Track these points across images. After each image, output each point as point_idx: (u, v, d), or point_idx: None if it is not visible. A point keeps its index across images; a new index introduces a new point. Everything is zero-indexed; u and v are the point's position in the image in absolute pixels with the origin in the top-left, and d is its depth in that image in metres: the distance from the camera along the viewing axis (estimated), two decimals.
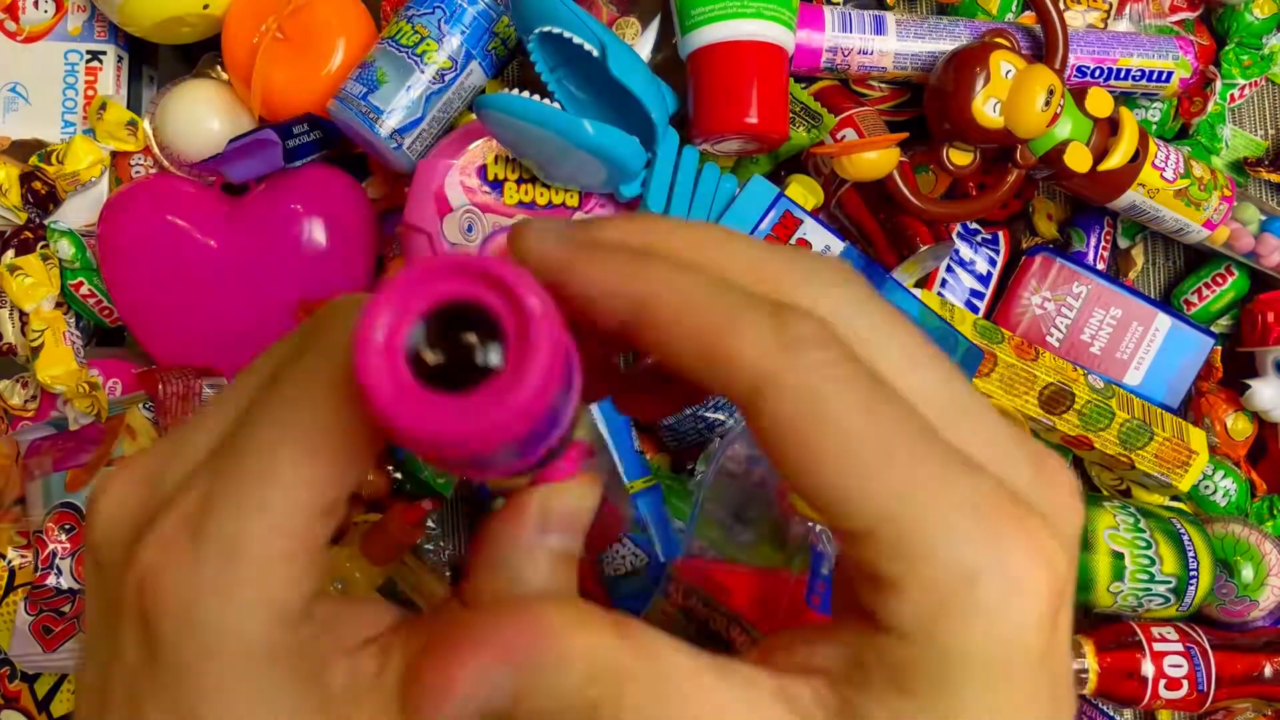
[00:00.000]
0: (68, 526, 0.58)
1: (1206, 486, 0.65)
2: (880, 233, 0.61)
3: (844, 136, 0.59)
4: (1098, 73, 0.62)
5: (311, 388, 0.18)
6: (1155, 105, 0.65)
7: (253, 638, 0.18)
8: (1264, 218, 0.63)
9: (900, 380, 0.19)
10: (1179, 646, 0.60)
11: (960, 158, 0.58)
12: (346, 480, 0.19)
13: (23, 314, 0.63)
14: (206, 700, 0.18)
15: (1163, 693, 0.60)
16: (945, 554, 0.18)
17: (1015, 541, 0.18)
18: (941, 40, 0.60)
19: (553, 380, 0.17)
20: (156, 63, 0.68)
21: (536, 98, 0.52)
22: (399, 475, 0.63)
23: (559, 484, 0.22)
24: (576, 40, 0.51)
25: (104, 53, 0.65)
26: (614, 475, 0.60)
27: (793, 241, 0.56)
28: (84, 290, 0.64)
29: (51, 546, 0.58)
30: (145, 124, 0.64)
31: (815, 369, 0.18)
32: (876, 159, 0.57)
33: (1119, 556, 0.60)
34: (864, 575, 0.18)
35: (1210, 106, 0.65)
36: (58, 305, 0.64)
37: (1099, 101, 0.58)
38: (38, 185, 0.62)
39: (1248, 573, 0.63)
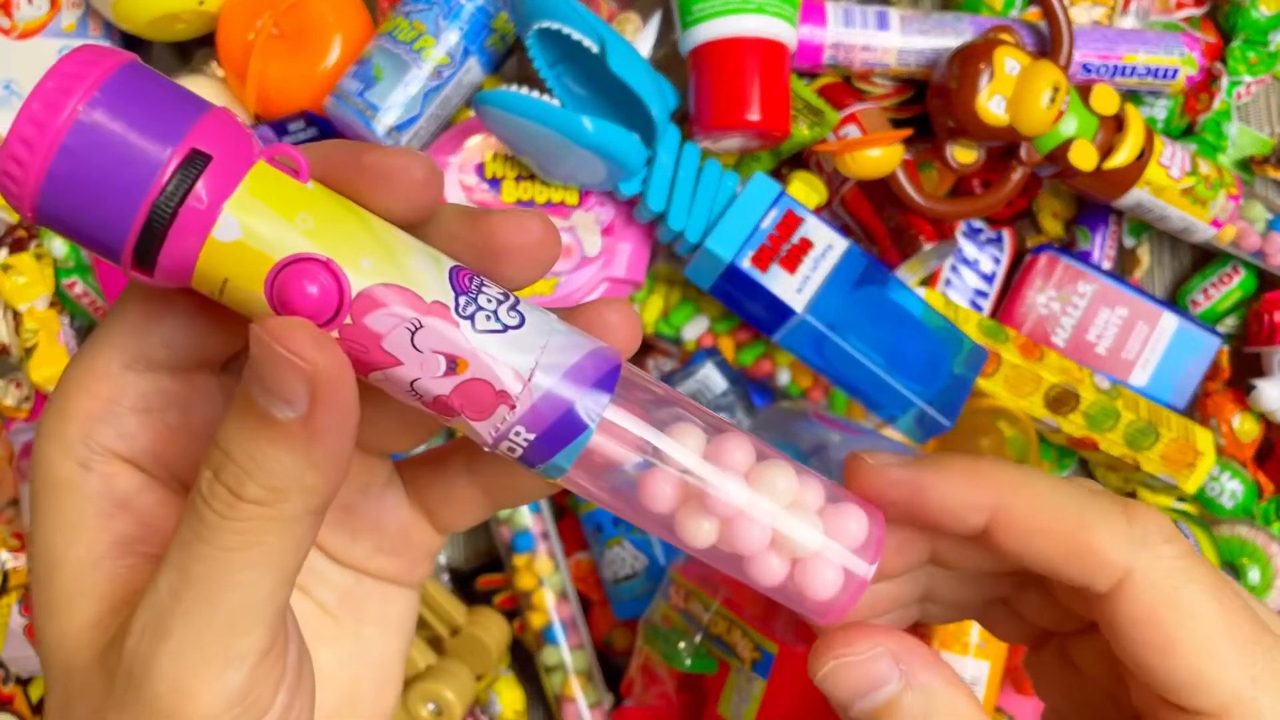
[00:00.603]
0: None
1: (1213, 488, 0.64)
2: (883, 231, 0.60)
3: (847, 134, 0.59)
4: (1103, 70, 0.61)
5: (123, 294, 0.23)
6: (1161, 102, 0.65)
7: (57, 470, 0.23)
8: (1271, 216, 0.63)
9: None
10: None
11: (964, 155, 0.58)
12: (141, 340, 0.23)
13: (16, 314, 0.62)
14: (35, 524, 0.23)
15: None
16: None
17: None
18: (945, 36, 0.59)
19: None
20: (151, 59, 0.68)
21: (535, 94, 0.52)
22: None
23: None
24: (576, 36, 0.51)
25: None
26: None
27: (795, 240, 0.55)
28: (78, 290, 0.63)
29: None
30: None
31: (1168, 560, 0.22)
32: (880, 156, 0.57)
33: None
34: None
35: (1216, 104, 0.64)
36: (51, 305, 0.63)
37: (1104, 99, 0.57)
38: None
39: (1254, 575, 0.62)
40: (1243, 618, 0.22)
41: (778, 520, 0.23)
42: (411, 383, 0.21)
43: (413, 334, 0.21)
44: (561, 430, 0.21)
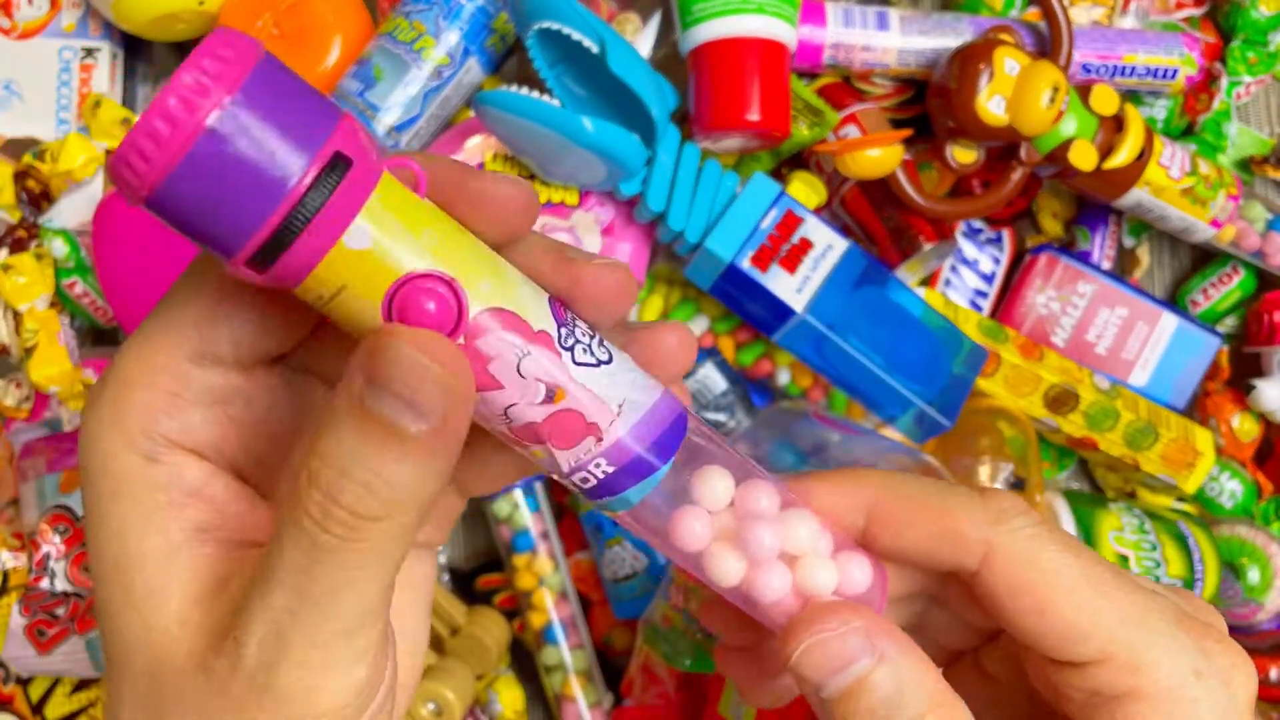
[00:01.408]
0: (62, 528, 0.57)
1: (1212, 488, 0.64)
2: (883, 231, 0.60)
3: (846, 134, 0.59)
4: (1103, 70, 0.61)
5: (182, 285, 0.23)
6: (1161, 102, 0.65)
7: (119, 463, 0.22)
8: (1270, 216, 0.63)
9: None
10: None
11: (964, 155, 0.58)
12: (207, 335, 0.22)
13: (16, 314, 0.62)
14: (99, 520, 0.22)
15: None
16: (1170, 662, 0.23)
17: (1216, 647, 0.23)
18: (945, 36, 0.59)
19: None
20: (152, 60, 0.68)
21: (535, 94, 0.52)
22: None
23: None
24: (576, 36, 0.51)
25: (99, 49, 0.65)
26: None
27: (794, 240, 0.55)
28: (78, 290, 0.63)
29: (45, 549, 0.57)
30: None
31: (1024, 529, 0.24)
32: (879, 156, 0.57)
33: (1124, 559, 0.60)
34: (1096, 702, 0.23)
35: (1216, 104, 0.64)
36: (52, 305, 0.63)
37: (1104, 99, 0.57)
38: (31, 184, 0.62)
39: (1254, 575, 0.62)
40: (1100, 569, 0.24)
41: (801, 566, 0.24)
42: (507, 408, 0.21)
43: (519, 360, 0.21)
44: (639, 466, 0.22)
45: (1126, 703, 0.23)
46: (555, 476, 0.23)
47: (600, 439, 0.22)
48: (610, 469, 0.22)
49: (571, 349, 0.22)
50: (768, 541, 0.24)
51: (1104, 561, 0.24)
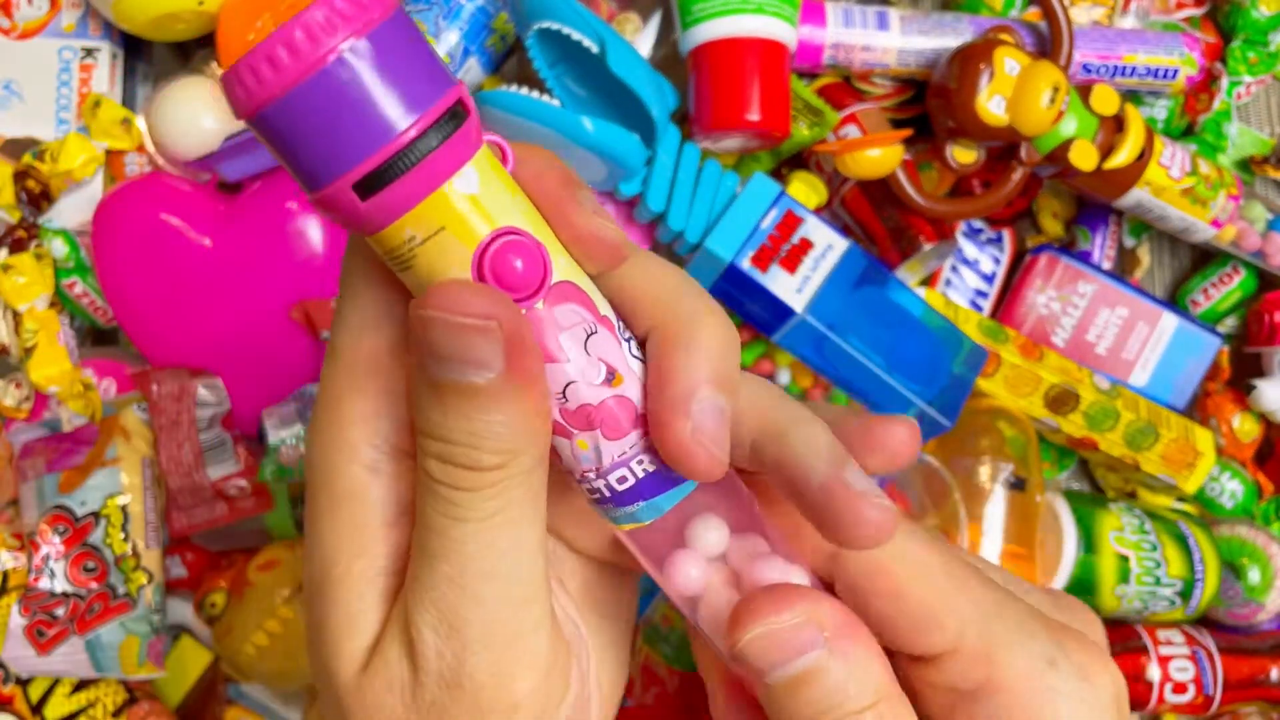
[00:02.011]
0: (61, 529, 0.57)
1: (1213, 488, 0.64)
2: (883, 231, 0.60)
3: (846, 134, 0.59)
4: (1103, 70, 0.61)
5: (355, 281, 0.23)
6: (1161, 102, 0.65)
7: (343, 479, 0.22)
8: (1271, 216, 0.63)
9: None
10: (1185, 650, 0.60)
11: (964, 155, 0.58)
12: (384, 329, 0.22)
13: (16, 314, 0.62)
14: (317, 537, 0.22)
15: (1169, 697, 0.59)
16: (1023, 651, 0.22)
17: (1073, 644, 0.23)
18: (945, 36, 0.59)
19: None
20: (151, 60, 0.68)
21: (535, 94, 0.51)
22: None
23: None
24: (576, 36, 0.51)
25: (99, 49, 0.64)
26: None
27: (794, 240, 0.55)
28: (78, 290, 0.63)
29: (45, 549, 0.57)
30: (139, 121, 0.64)
31: (902, 533, 0.23)
32: (879, 156, 0.57)
33: (1124, 559, 0.60)
34: (953, 699, 0.23)
35: (1217, 104, 0.64)
36: (51, 305, 0.63)
37: (1104, 99, 0.57)
38: (31, 184, 0.62)
39: (1254, 575, 0.62)
40: (960, 565, 0.23)
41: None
42: (566, 386, 0.21)
43: (588, 336, 0.21)
44: (675, 472, 0.22)
45: (982, 697, 0.22)
46: (589, 480, 0.22)
47: (647, 434, 0.22)
48: (651, 468, 0.22)
49: (629, 341, 0.22)
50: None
51: (968, 562, 0.24)
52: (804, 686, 0.22)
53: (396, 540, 0.22)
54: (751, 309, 0.56)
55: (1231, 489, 0.64)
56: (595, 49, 0.51)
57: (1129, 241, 0.66)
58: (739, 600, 0.23)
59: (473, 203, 0.20)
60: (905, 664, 0.24)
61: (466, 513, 0.21)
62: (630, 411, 0.22)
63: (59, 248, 0.63)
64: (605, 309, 0.22)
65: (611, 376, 0.21)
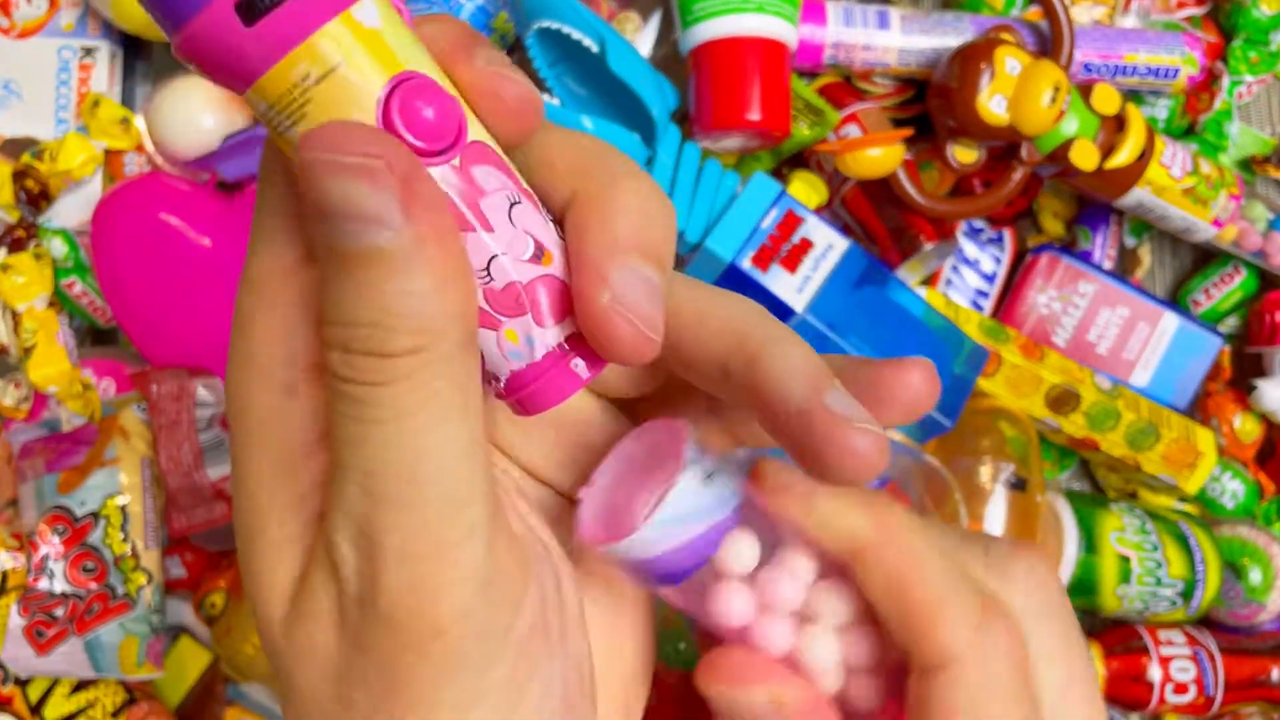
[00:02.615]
0: (60, 529, 0.57)
1: (1214, 488, 0.64)
2: (884, 231, 0.60)
3: (847, 133, 0.59)
4: (1104, 69, 0.61)
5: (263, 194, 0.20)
6: (1162, 102, 0.64)
7: (257, 406, 0.19)
8: (1272, 216, 0.63)
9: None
10: (1186, 650, 0.60)
11: (965, 155, 0.58)
12: (297, 239, 0.19)
13: (15, 314, 0.62)
14: (237, 479, 0.20)
15: (1170, 697, 0.59)
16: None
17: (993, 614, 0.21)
18: (946, 36, 0.59)
19: None
20: (150, 59, 0.68)
21: None
22: None
23: None
24: (576, 35, 0.51)
25: (97, 49, 0.64)
26: None
27: (795, 240, 0.55)
28: (77, 290, 0.63)
29: (44, 549, 0.57)
30: (139, 121, 0.64)
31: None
32: (880, 156, 0.57)
33: (1125, 560, 0.60)
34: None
35: (1218, 103, 0.64)
36: (50, 305, 0.63)
37: (1105, 98, 0.57)
38: (30, 183, 0.62)
39: (1256, 575, 0.62)
40: (957, 572, 0.21)
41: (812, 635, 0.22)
42: (491, 260, 0.18)
43: (512, 205, 0.18)
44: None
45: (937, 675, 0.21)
46: (521, 369, 0.19)
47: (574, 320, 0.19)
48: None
49: (553, 222, 0.19)
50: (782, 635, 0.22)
51: (959, 561, 0.22)
52: None
53: (321, 463, 0.19)
54: None
55: (1233, 489, 0.64)
56: (595, 48, 0.51)
57: (1130, 241, 0.66)
58: (705, 656, 0.22)
59: (374, 39, 0.17)
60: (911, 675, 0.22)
61: (378, 412, 0.17)
62: (565, 296, 0.19)
63: (58, 247, 0.63)
64: (525, 182, 0.19)
65: (540, 253, 0.18)
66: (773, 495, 0.21)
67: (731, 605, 0.21)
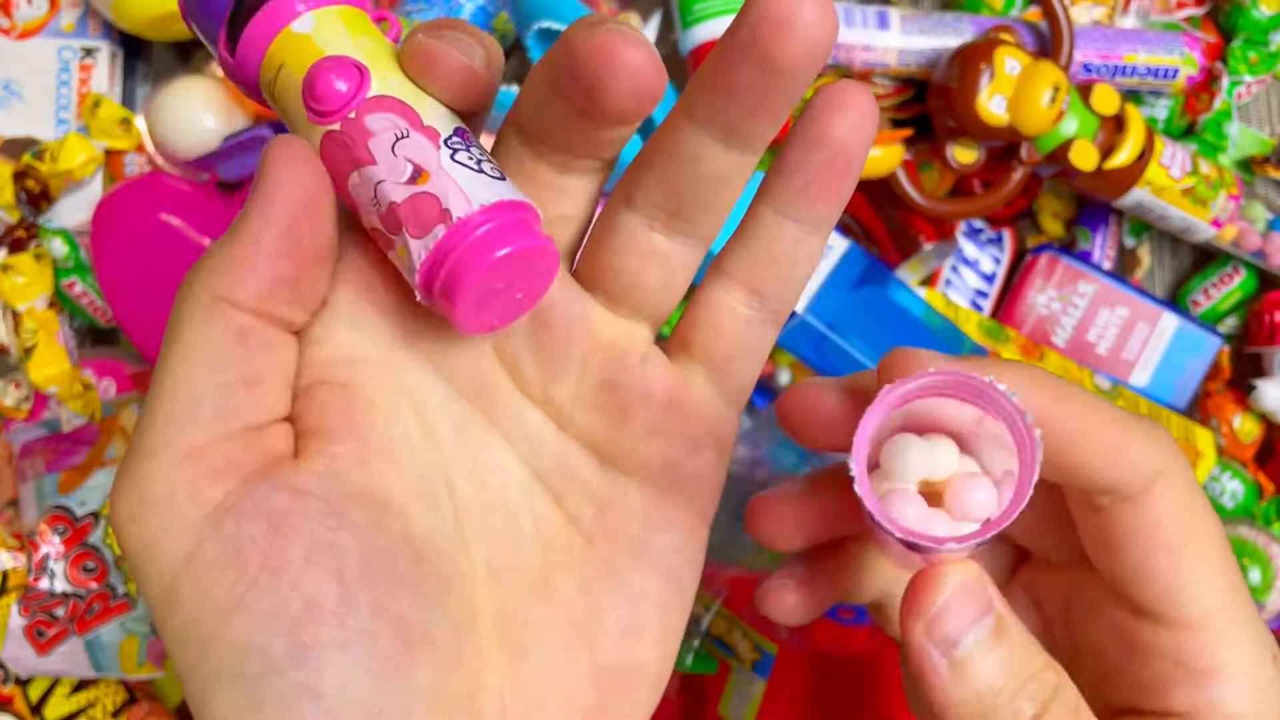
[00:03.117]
0: (61, 529, 0.57)
1: (1213, 488, 0.64)
2: (883, 231, 0.60)
3: None
4: (1104, 69, 0.61)
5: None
6: (1162, 102, 0.64)
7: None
8: (1271, 216, 0.63)
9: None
10: None
11: (965, 155, 0.58)
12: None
13: (15, 314, 0.62)
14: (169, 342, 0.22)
15: None
16: (1255, 644, 0.23)
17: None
18: (946, 36, 0.59)
19: None
20: (151, 59, 0.68)
21: None
22: None
23: None
24: None
25: (98, 49, 0.64)
26: None
27: None
28: (77, 290, 0.63)
29: (44, 549, 0.57)
30: (139, 121, 0.64)
31: (1186, 476, 0.23)
32: (880, 156, 0.57)
33: None
34: (1179, 675, 0.23)
35: (1217, 104, 0.64)
36: (51, 305, 0.63)
37: (1105, 98, 0.57)
38: (30, 184, 0.62)
39: (1255, 576, 0.62)
40: (1226, 545, 0.23)
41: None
42: (377, 185, 0.22)
43: (396, 140, 0.22)
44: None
45: (1212, 679, 0.22)
46: (419, 295, 0.22)
47: (449, 224, 0.21)
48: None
49: (454, 150, 0.22)
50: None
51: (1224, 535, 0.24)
52: (966, 679, 0.21)
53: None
54: None
55: (1232, 489, 0.64)
56: None
57: (1129, 241, 0.66)
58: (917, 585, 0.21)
59: (304, 41, 0.23)
60: (1128, 617, 0.23)
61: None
62: (434, 207, 0.21)
63: (58, 247, 0.63)
64: (439, 124, 0.22)
65: (417, 175, 0.21)
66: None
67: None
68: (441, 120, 0.22)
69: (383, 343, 0.23)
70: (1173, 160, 0.59)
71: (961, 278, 0.65)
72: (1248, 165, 0.66)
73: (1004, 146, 0.58)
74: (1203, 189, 0.60)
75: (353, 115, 0.22)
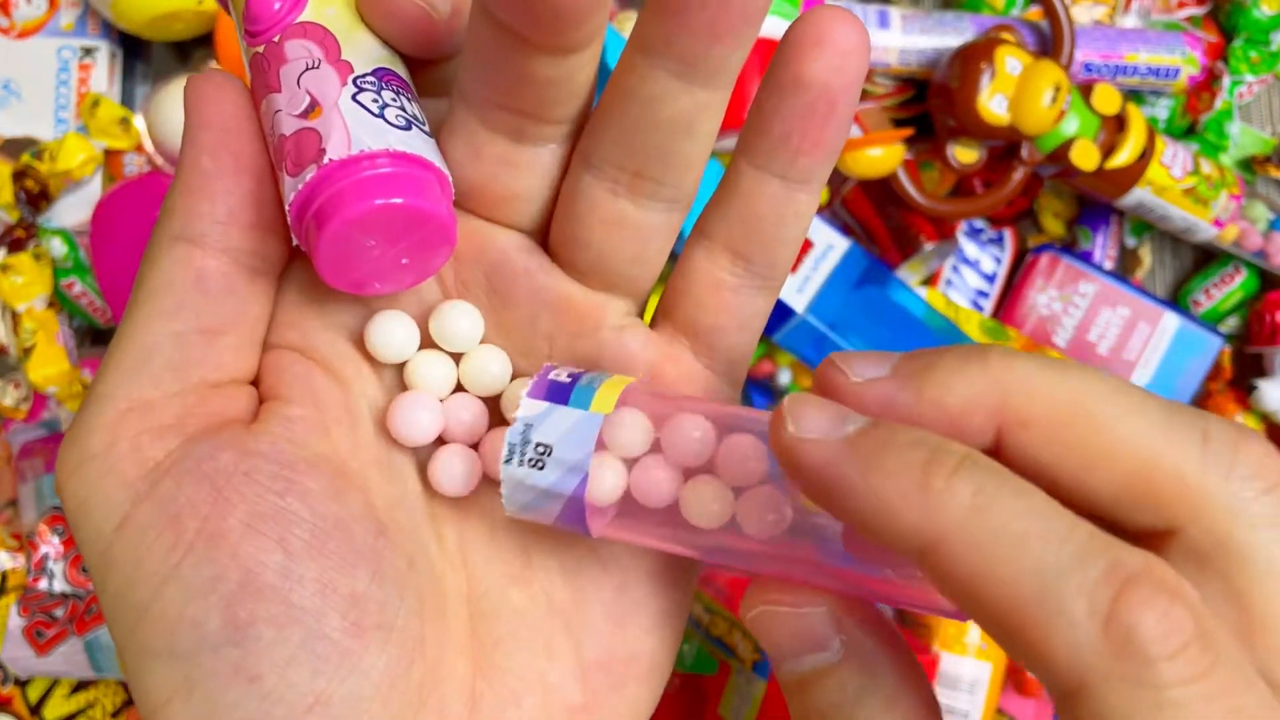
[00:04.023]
0: (60, 529, 0.57)
1: None
2: (884, 230, 0.60)
3: None
4: (1105, 69, 0.61)
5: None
6: (1163, 102, 0.64)
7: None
8: (1273, 216, 0.62)
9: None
10: None
11: (966, 155, 0.58)
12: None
13: (14, 314, 0.62)
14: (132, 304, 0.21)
15: None
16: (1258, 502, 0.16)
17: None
18: (947, 35, 0.59)
19: None
20: (150, 59, 0.68)
21: None
22: None
23: None
24: None
25: (97, 49, 0.64)
26: None
27: None
28: (76, 290, 0.63)
29: (43, 549, 0.57)
30: (138, 121, 0.64)
31: (1262, 497, 0.16)
32: (881, 156, 0.56)
33: None
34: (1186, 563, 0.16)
35: (1218, 103, 0.64)
36: (50, 305, 0.63)
37: (1106, 98, 0.57)
38: (30, 183, 0.62)
39: None
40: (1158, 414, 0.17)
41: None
42: (275, 114, 0.20)
43: (305, 70, 0.20)
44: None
45: (1220, 564, 0.16)
46: (292, 224, 0.20)
47: (320, 165, 0.19)
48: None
49: (361, 89, 0.20)
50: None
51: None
52: (813, 691, 0.18)
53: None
54: None
55: None
56: None
57: (1130, 241, 0.66)
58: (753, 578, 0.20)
59: None
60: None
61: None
62: (313, 144, 0.20)
63: (57, 247, 0.63)
64: (356, 60, 0.21)
65: (311, 108, 0.20)
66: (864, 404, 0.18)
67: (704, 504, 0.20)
68: (365, 57, 0.21)
69: (335, 309, 0.22)
70: (1174, 160, 0.59)
71: (962, 277, 0.65)
72: (1249, 165, 0.66)
73: (1005, 146, 0.58)
74: (1204, 189, 0.60)
75: (276, 39, 0.21)
